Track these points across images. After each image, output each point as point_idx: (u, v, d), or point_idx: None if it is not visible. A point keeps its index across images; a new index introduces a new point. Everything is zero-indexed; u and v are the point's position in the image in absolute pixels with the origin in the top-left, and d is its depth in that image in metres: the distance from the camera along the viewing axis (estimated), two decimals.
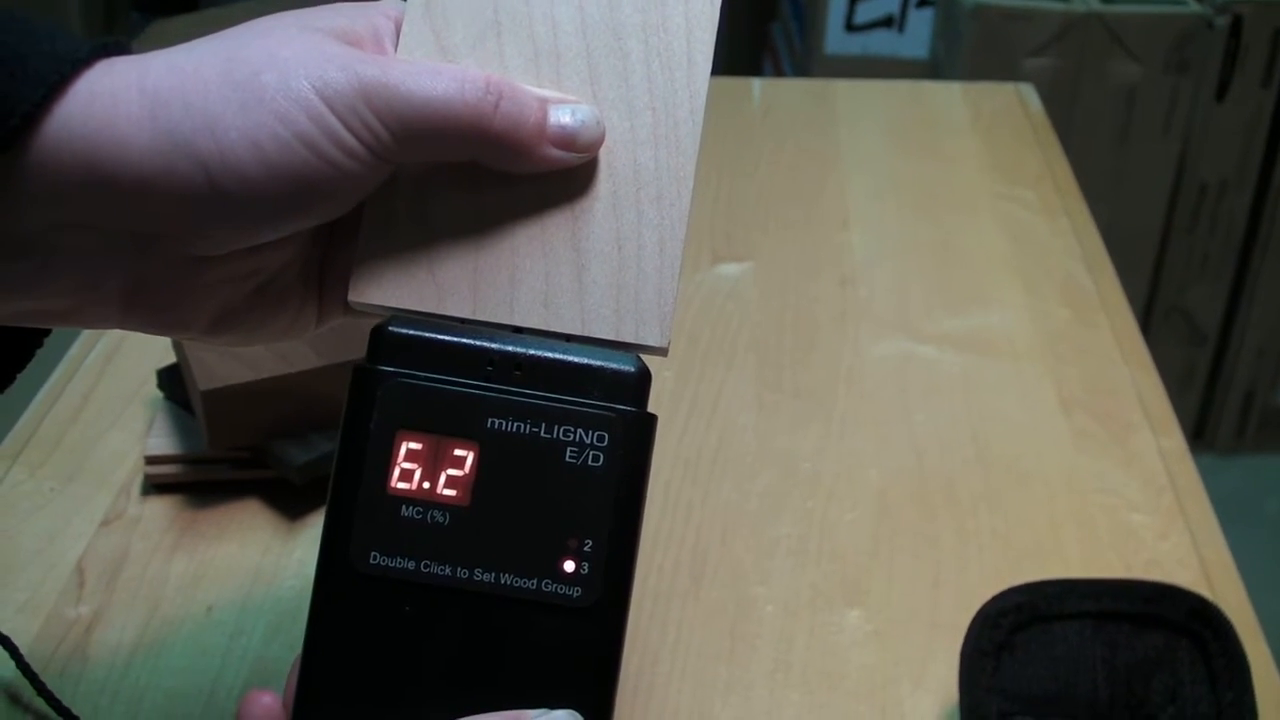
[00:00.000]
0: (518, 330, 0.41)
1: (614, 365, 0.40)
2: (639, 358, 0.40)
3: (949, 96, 1.17)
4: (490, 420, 0.39)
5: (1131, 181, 1.85)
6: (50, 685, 0.59)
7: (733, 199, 1.01)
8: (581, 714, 0.38)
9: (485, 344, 0.40)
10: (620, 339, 0.41)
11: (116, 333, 0.83)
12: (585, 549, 0.39)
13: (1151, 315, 1.95)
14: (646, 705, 0.59)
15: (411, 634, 0.39)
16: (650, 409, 0.40)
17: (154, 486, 0.71)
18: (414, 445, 0.39)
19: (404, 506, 0.39)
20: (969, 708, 0.56)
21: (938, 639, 0.63)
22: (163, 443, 0.71)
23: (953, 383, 0.80)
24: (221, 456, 0.70)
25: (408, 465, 0.39)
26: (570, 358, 0.40)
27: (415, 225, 0.42)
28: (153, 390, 0.76)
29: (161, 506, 0.70)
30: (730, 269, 0.92)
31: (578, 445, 0.39)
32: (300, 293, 0.46)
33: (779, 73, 2.17)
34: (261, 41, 0.39)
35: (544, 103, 0.41)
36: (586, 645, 0.39)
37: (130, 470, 0.72)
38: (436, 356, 0.39)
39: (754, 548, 0.68)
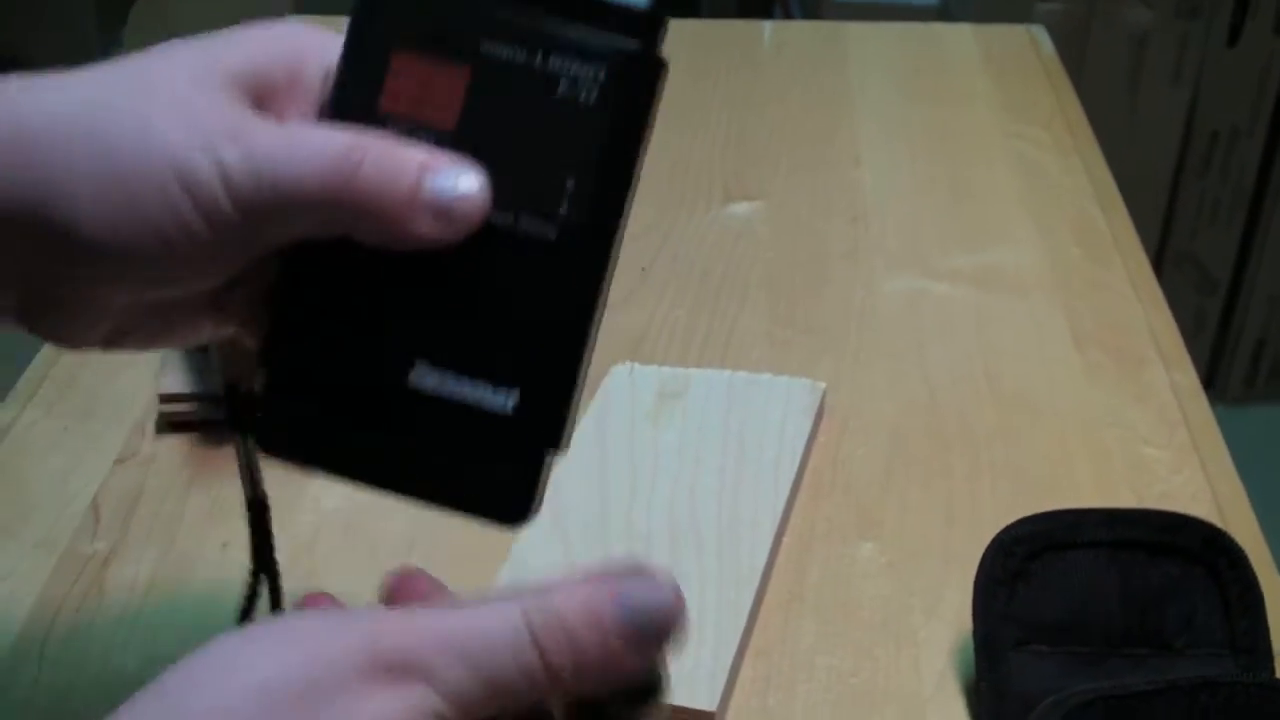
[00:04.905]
0: None
1: None
2: None
3: (960, 38, 1.16)
4: (485, 43, 0.38)
5: (1142, 128, 1.84)
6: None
7: (743, 138, 1.00)
8: (550, 348, 0.38)
9: None
10: None
11: None
12: (567, 186, 0.37)
13: (1162, 262, 1.94)
14: None
15: (382, 258, 0.38)
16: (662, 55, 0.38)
17: (168, 425, 0.71)
18: (406, 64, 0.38)
19: (393, 126, 0.38)
20: (983, 636, 0.56)
21: (951, 570, 0.63)
22: (177, 381, 0.71)
23: (965, 318, 0.80)
24: None
25: (399, 84, 0.38)
26: None
27: None
28: None
29: (176, 445, 0.70)
30: (741, 207, 0.91)
31: (571, 79, 0.37)
32: (211, 313, 0.43)
33: (789, 19, 2.16)
34: (137, 102, 0.38)
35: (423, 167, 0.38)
36: (560, 284, 0.38)
37: (144, 409, 0.72)
38: None
39: None
